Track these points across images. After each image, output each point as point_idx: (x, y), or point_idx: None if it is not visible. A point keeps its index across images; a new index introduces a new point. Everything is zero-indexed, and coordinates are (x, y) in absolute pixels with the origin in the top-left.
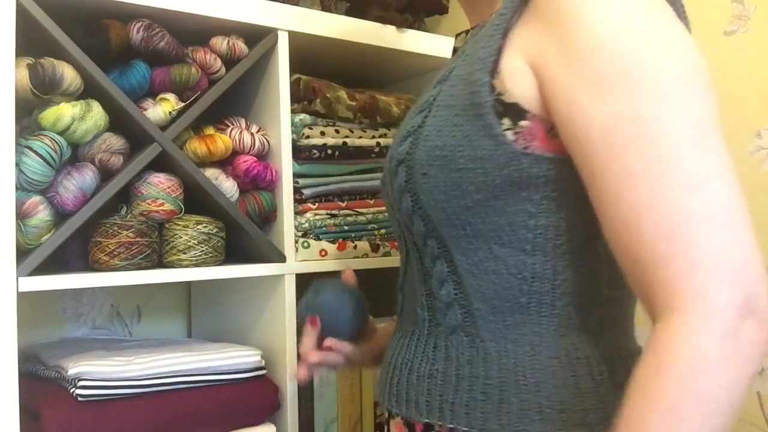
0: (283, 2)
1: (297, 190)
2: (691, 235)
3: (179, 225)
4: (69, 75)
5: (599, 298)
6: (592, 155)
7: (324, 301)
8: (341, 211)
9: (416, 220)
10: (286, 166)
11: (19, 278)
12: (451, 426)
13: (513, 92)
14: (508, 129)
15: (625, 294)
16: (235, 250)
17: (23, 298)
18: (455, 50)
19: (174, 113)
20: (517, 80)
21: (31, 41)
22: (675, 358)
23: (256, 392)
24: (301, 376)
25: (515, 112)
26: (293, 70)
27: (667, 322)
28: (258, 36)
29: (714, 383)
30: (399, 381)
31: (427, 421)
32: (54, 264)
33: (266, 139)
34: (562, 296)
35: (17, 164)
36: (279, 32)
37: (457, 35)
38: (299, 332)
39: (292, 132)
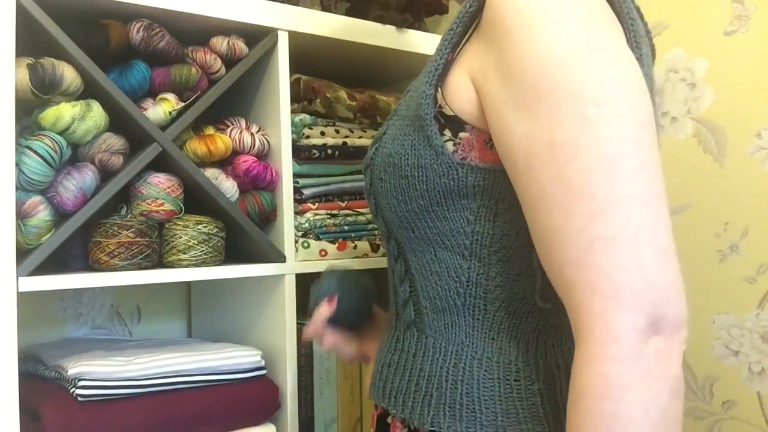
0: (283, 2)
1: (297, 190)
2: (592, 261)
3: (179, 225)
4: (69, 75)
5: (533, 307)
6: (517, 175)
7: (332, 285)
8: (341, 211)
9: (379, 222)
10: (286, 166)
11: (19, 278)
12: (393, 412)
13: (454, 105)
14: (448, 140)
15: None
16: (235, 250)
17: (23, 298)
18: None
19: (174, 113)
20: (458, 94)
21: (31, 41)
22: (582, 387)
23: (256, 392)
24: (310, 333)
25: (455, 124)
26: (293, 70)
27: (577, 349)
28: (258, 36)
29: (624, 406)
30: (375, 370)
31: (381, 404)
32: (54, 264)
33: (266, 139)
34: (494, 301)
35: (17, 164)
36: (279, 32)
37: None
38: (299, 332)
39: (292, 132)
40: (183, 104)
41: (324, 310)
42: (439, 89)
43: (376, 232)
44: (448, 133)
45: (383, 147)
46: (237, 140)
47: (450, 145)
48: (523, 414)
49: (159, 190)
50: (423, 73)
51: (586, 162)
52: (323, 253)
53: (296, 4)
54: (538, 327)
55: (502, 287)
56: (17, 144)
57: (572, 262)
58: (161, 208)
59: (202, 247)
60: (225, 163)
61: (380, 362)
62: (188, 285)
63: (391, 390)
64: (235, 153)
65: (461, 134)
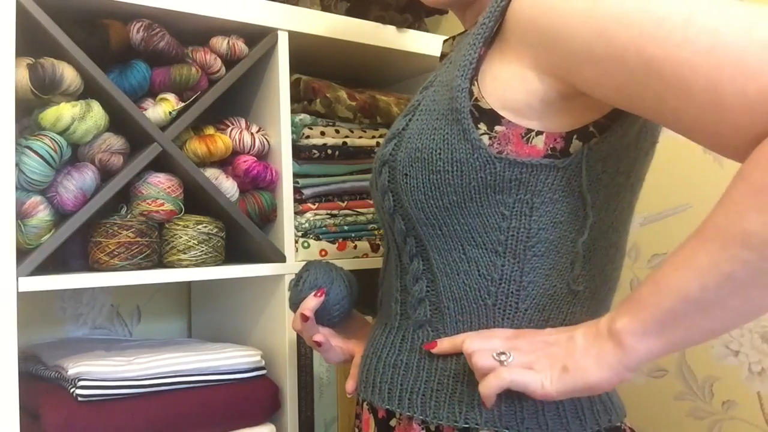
0: (283, 2)
1: (297, 190)
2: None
3: (179, 225)
4: (69, 75)
5: (561, 301)
6: (641, 79)
7: (320, 277)
8: (341, 211)
9: (397, 219)
10: (286, 166)
11: (19, 278)
12: (409, 414)
13: (489, 99)
14: (484, 134)
15: (596, 289)
16: (235, 250)
17: (23, 298)
18: (443, 55)
19: (174, 113)
20: (494, 87)
21: (31, 41)
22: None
23: (256, 392)
24: (299, 326)
25: (491, 117)
26: (293, 70)
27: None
28: (258, 36)
29: None
30: (368, 369)
31: (387, 407)
32: (54, 264)
33: (266, 139)
34: (525, 298)
35: (17, 164)
36: (279, 32)
37: (445, 41)
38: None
39: (292, 132)
40: (183, 104)
41: (312, 303)
42: (475, 83)
43: (376, 232)
44: (483, 126)
45: (408, 142)
46: (237, 140)
47: (486, 139)
48: (563, 406)
49: (159, 190)
50: (453, 66)
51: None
52: (323, 253)
53: (296, 4)
54: (565, 321)
55: (535, 283)
56: (17, 144)
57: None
58: (161, 208)
59: (202, 247)
60: (225, 163)
61: (381, 363)
62: (188, 285)
63: (403, 391)
64: (235, 153)
65: (497, 128)
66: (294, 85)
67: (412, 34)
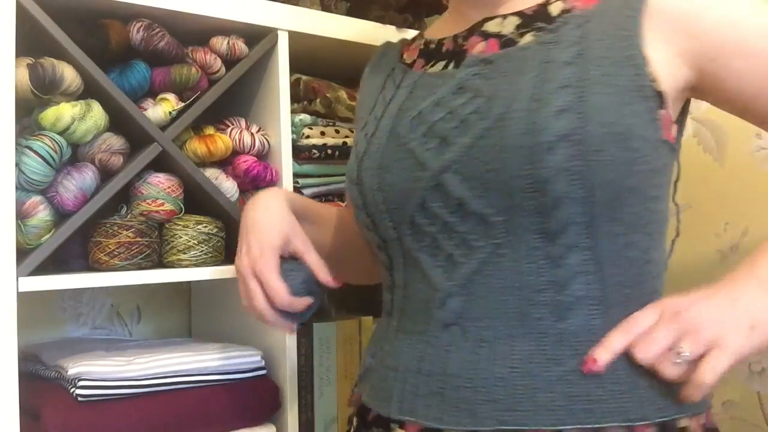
0: (283, 2)
1: (297, 190)
2: None
3: (179, 225)
4: (69, 75)
5: (657, 281)
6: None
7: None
8: None
9: (565, 204)
10: (286, 166)
11: (19, 278)
12: (599, 426)
13: (660, 81)
14: (658, 116)
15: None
16: (235, 250)
17: (23, 298)
18: (428, 42)
19: (174, 113)
20: (664, 70)
21: (31, 41)
22: None
23: (256, 392)
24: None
25: (659, 100)
26: (293, 70)
27: None
28: (258, 36)
29: None
30: (477, 389)
31: (553, 428)
32: (54, 264)
33: (266, 139)
34: (657, 278)
35: (17, 164)
36: (279, 32)
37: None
38: (299, 332)
39: (292, 132)
40: (183, 104)
41: (298, 305)
42: (647, 64)
43: None
44: (656, 108)
45: (597, 114)
46: (237, 140)
47: (657, 122)
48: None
49: (159, 190)
50: (614, 38)
51: None
52: None
53: (296, 4)
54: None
55: (657, 262)
56: (17, 144)
57: None
58: (161, 208)
59: (202, 247)
60: (225, 163)
61: (532, 378)
62: (188, 285)
63: (586, 404)
64: (235, 153)
65: (661, 111)
66: (294, 85)
67: (412, 34)
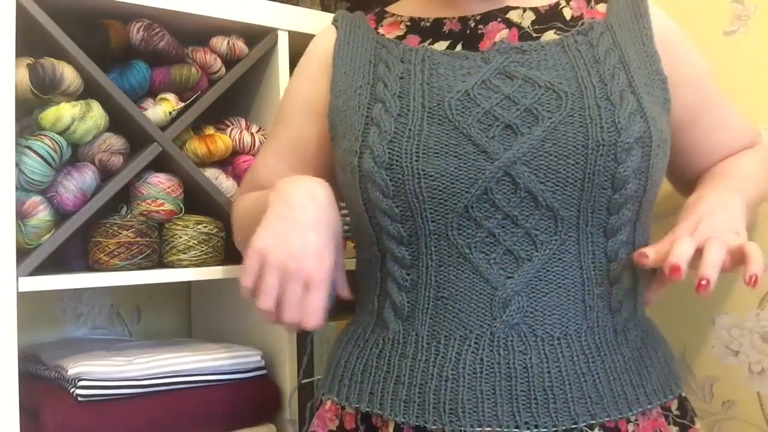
0: (283, 2)
1: None
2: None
3: (179, 225)
4: (69, 75)
5: None
6: (711, 95)
7: None
8: (341, 211)
9: (631, 203)
10: None
11: (19, 278)
12: (665, 401)
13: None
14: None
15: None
16: (235, 250)
17: (23, 298)
18: (418, 22)
19: (174, 113)
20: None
21: (31, 41)
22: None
23: (256, 392)
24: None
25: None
26: (293, 70)
27: (758, 147)
28: (258, 36)
29: None
30: (554, 388)
31: (612, 418)
32: (54, 264)
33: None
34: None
35: (17, 164)
36: (279, 32)
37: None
38: (299, 332)
39: None
40: (183, 104)
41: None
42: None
43: None
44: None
45: (653, 121)
46: (237, 140)
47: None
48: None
49: (159, 190)
50: (639, 45)
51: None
52: None
53: (296, 4)
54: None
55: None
56: (17, 144)
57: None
58: (161, 208)
59: (202, 247)
60: (225, 163)
61: (591, 370)
62: (188, 285)
63: (641, 386)
64: (235, 153)
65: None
66: None
67: None
